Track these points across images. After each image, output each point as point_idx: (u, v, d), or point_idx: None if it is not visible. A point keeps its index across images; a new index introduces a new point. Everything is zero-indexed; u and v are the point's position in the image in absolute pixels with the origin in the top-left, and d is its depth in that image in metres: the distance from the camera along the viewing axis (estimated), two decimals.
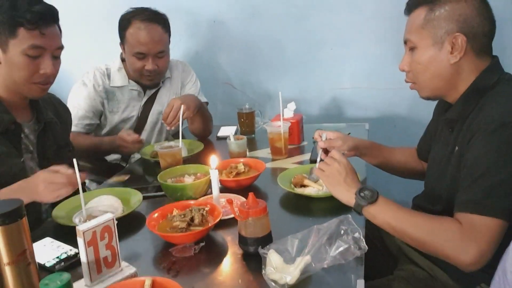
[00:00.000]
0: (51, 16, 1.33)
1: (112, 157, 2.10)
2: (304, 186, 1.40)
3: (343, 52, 2.35)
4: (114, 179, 1.68)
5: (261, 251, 0.99)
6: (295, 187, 1.41)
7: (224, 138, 1.85)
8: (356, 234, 1.01)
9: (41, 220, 1.43)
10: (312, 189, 1.37)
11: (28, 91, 1.35)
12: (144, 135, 2.09)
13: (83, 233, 0.91)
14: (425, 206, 1.27)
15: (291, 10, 2.35)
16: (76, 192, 1.29)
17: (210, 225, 1.14)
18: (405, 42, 1.23)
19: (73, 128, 1.77)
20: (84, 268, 0.93)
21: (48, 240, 1.15)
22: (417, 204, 1.35)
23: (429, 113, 1.49)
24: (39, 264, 1.01)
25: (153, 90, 2.08)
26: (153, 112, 2.09)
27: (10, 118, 1.34)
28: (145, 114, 2.08)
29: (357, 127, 2.09)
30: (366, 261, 1.01)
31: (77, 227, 0.92)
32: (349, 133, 1.87)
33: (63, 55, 1.40)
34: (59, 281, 0.80)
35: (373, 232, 1.37)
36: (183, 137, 1.76)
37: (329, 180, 1.21)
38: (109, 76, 2.02)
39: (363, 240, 1.01)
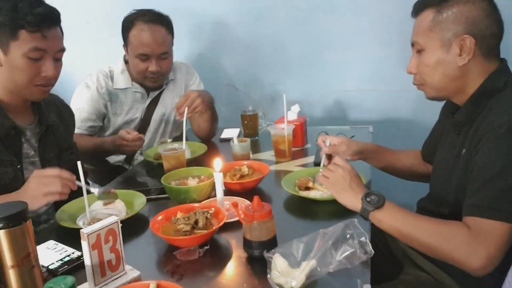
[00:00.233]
0: (53, 18, 1.32)
1: (115, 159, 2.10)
2: (309, 188, 1.39)
3: (347, 55, 2.34)
4: (102, 197, 1.34)
5: (266, 255, 0.98)
6: (300, 189, 1.40)
7: (228, 140, 1.84)
8: (362, 239, 1.00)
9: (39, 222, 1.42)
10: (316, 192, 1.36)
11: (29, 93, 1.34)
12: (147, 137, 2.08)
13: (88, 236, 0.90)
14: (430, 209, 1.26)
15: (295, 13, 2.34)
16: (79, 195, 1.29)
17: (214, 228, 1.13)
18: (413, 45, 1.22)
19: (76, 130, 1.76)
20: (88, 271, 0.92)
21: (51, 243, 1.15)
22: (422, 206, 1.34)
23: (432, 116, 1.48)
24: (42, 266, 1.00)
25: (157, 92, 2.08)
26: (157, 114, 2.09)
27: (9, 124, 1.32)
28: (149, 116, 2.08)
29: (361, 129, 2.08)
30: (371, 265, 1.00)
31: (81, 230, 0.91)
32: (353, 136, 1.86)
33: (65, 57, 1.40)
34: (64, 285, 0.80)
35: (377, 236, 1.36)
36: (186, 139, 1.75)
37: (334, 187, 1.20)
38: (112, 78, 2.02)
39: (369, 244, 1.00)
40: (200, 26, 2.49)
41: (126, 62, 2.04)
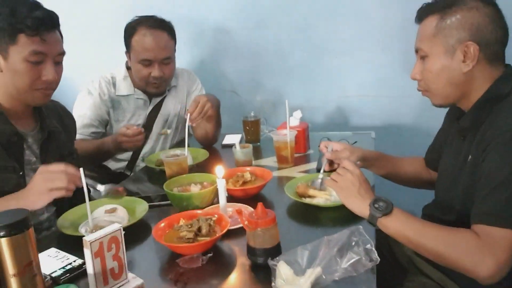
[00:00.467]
0: (52, 21, 1.32)
1: (116, 166, 2.09)
2: (310, 196, 1.38)
3: (349, 61, 2.34)
4: (109, 196, 1.38)
5: (270, 262, 0.97)
6: (301, 197, 1.39)
7: (229, 146, 1.83)
8: (368, 246, 0.99)
9: (41, 230, 1.41)
10: (320, 199, 1.35)
11: (31, 98, 1.34)
12: (149, 144, 2.08)
13: (90, 243, 0.89)
14: (436, 216, 1.25)
15: (296, 19, 2.35)
16: (81, 201, 1.28)
17: (217, 235, 1.12)
18: (416, 51, 1.22)
19: (79, 136, 1.76)
20: (91, 279, 0.91)
21: (52, 251, 1.14)
22: (427, 213, 1.33)
23: (435, 122, 1.48)
24: (45, 275, 0.99)
25: (159, 99, 2.08)
26: (159, 120, 2.08)
27: (11, 130, 1.31)
28: (151, 123, 2.07)
29: (363, 135, 2.07)
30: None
31: (84, 238, 0.90)
32: (355, 142, 1.86)
33: (66, 63, 1.39)
34: None
35: (382, 242, 1.35)
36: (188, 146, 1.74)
37: (342, 192, 1.19)
38: (114, 85, 2.01)
39: (375, 251, 0.99)
40: (201, 33, 2.49)
41: (128, 68, 2.04)
